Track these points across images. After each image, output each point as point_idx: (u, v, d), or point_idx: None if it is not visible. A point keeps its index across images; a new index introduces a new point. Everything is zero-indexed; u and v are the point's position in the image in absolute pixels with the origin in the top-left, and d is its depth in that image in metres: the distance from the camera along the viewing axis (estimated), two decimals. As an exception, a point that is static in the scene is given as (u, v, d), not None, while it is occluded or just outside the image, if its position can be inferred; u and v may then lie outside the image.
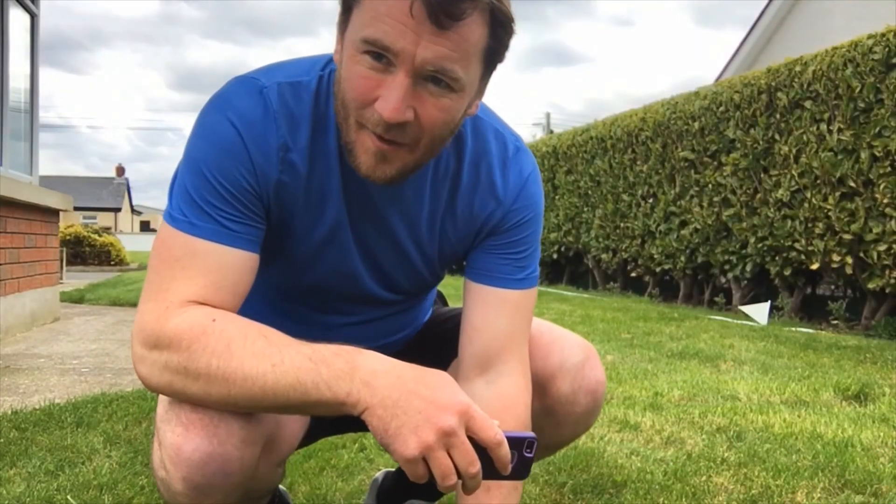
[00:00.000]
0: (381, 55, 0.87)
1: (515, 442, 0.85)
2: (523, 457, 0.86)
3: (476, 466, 0.82)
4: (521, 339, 1.13)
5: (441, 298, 1.50)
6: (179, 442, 0.92)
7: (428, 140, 0.94)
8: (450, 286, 1.20)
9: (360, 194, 1.05)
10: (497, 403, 1.07)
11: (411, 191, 1.07)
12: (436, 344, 1.29)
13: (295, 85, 1.00)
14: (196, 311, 0.91)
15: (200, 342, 0.88)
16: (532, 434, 0.87)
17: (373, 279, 1.15)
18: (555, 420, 1.21)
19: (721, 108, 6.33)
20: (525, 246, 1.13)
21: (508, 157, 1.11)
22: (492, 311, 1.11)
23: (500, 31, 0.91)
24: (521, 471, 0.87)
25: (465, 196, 1.10)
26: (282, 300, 1.18)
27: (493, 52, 0.93)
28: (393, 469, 1.66)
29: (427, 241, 1.13)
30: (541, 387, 1.18)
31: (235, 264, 0.96)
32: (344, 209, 1.06)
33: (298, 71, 1.02)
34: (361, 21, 0.88)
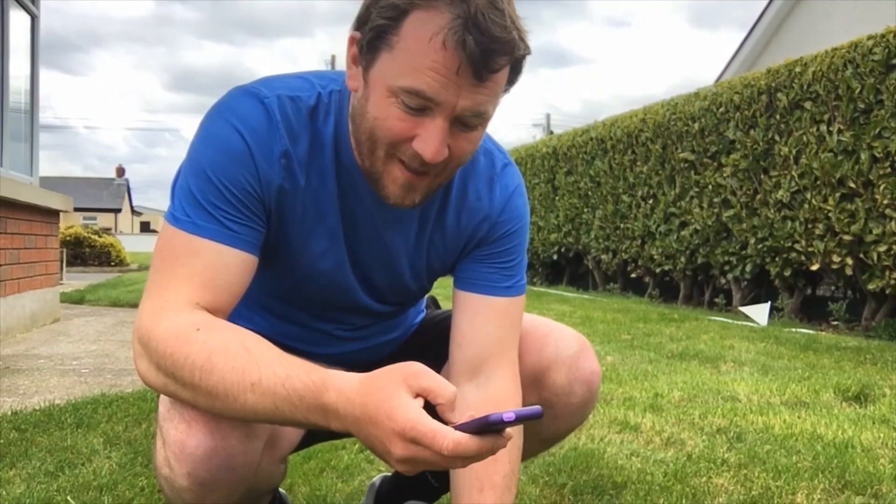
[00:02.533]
0: (420, 103, 0.91)
1: (485, 427, 0.78)
2: (509, 424, 0.77)
3: (456, 463, 0.80)
4: (510, 344, 1.15)
5: (434, 302, 1.52)
6: (183, 438, 0.93)
7: (455, 165, 1.00)
8: (449, 287, 1.21)
9: (354, 210, 1.08)
10: (487, 407, 1.08)
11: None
12: (429, 346, 1.31)
13: (295, 99, 1.03)
14: (185, 317, 0.92)
15: (182, 351, 0.89)
16: (495, 416, 0.76)
17: (365, 292, 1.17)
18: (552, 413, 1.22)
19: (721, 109, 6.33)
20: (512, 256, 1.16)
21: (496, 173, 1.15)
22: (480, 319, 1.13)
23: (519, 66, 0.96)
24: (525, 420, 0.78)
25: (454, 211, 1.13)
26: (281, 305, 1.20)
27: (511, 81, 0.98)
28: (390, 473, 1.66)
29: (416, 254, 1.15)
30: (537, 379, 1.20)
31: (233, 264, 0.98)
32: (339, 224, 1.08)
33: (297, 87, 1.05)
34: (400, 69, 0.90)
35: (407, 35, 0.89)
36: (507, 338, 1.14)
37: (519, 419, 0.76)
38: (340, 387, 0.84)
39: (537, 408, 0.77)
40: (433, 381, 0.82)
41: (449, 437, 0.77)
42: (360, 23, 0.93)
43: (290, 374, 0.85)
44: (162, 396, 0.99)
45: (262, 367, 0.86)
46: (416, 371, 0.83)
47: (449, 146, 0.94)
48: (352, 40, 0.96)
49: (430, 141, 0.92)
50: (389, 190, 0.98)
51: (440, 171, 0.98)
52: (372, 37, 0.92)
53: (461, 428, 0.78)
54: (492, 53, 0.87)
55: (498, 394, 1.11)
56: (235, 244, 0.98)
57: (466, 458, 0.79)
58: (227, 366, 0.87)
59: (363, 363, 0.89)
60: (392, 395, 0.81)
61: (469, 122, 0.94)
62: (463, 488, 1.08)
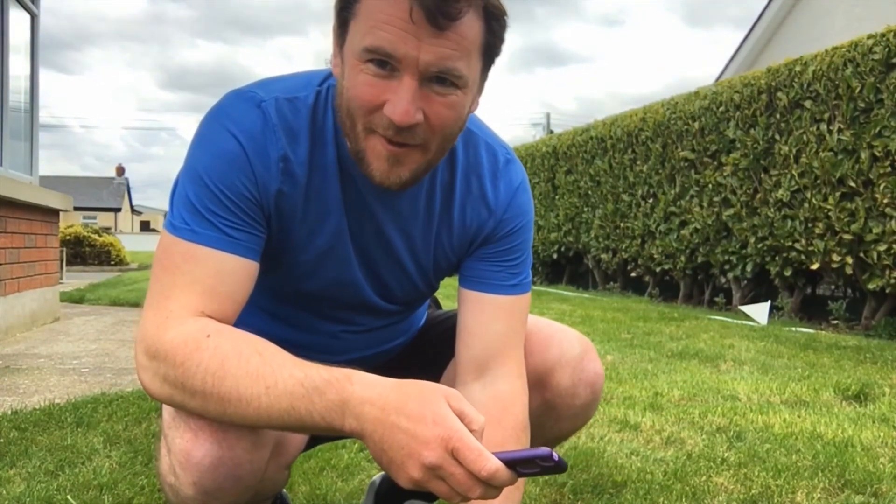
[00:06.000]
0: (384, 62, 0.89)
1: (523, 461, 0.80)
2: (544, 466, 0.80)
3: (475, 491, 0.79)
4: (517, 342, 1.14)
5: (435, 302, 1.52)
6: (189, 447, 0.92)
7: (439, 139, 0.96)
8: (449, 286, 1.21)
9: (358, 206, 1.07)
10: (494, 406, 1.07)
11: (407, 203, 1.09)
12: (432, 347, 1.30)
13: (292, 100, 1.02)
14: (192, 324, 0.91)
15: (194, 358, 0.88)
16: (545, 450, 0.79)
17: (372, 289, 1.16)
18: (555, 414, 1.22)
19: (721, 108, 6.33)
20: (517, 253, 1.15)
21: (499, 168, 1.13)
22: (487, 317, 1.12)
23: (494, 25, 0.93)
24: (550, 471, 0.82)
25: (459, 208, 1.12)
26: (285, 308, 1.19)
27: (491, 47, 0.95)
28: None
29: (422, 251, 1.14)
30: (541, 381, 1.19)
31: (234, 271, 0.97)
32: (344, 220, 1.07)
33: (295, 87, 1.04)
34: (361, 31, 0.90)
35: None
36: (514, 336, 1.13)
37: (559, 462, 0.78)
38: (369, 381, 0.84)
39: (565, 461, 0.79)
40: (468, 406, 0.83)
41: (492, 462, 0.78)
42: (335, 4, 0.94)
43: (309, 373, 0.85)
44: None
45: (278, 370, 0.86)
46: (455, 393, 0.83)
47: (426, 113, 0.92)
48: (335, 29, 0.96)
49: (397, 103, 0.89)
50: (374, 167, 0.96)
51: (425, 145, 0.95)
52: (340, 8, 0.93)
53: (497, 457, 0.79)
54: None
55: (505, 392, 1.11)
56: (236, 251, 0.97)
57: (491, 489, 0.79)
58: (240, 370, 0.86)
59: (367, 369, 0.88)
60: (439, 403, 0.81)
61: (440, 81, 0.91)
62: None
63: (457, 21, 0.88)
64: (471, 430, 0.80)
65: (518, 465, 0.79)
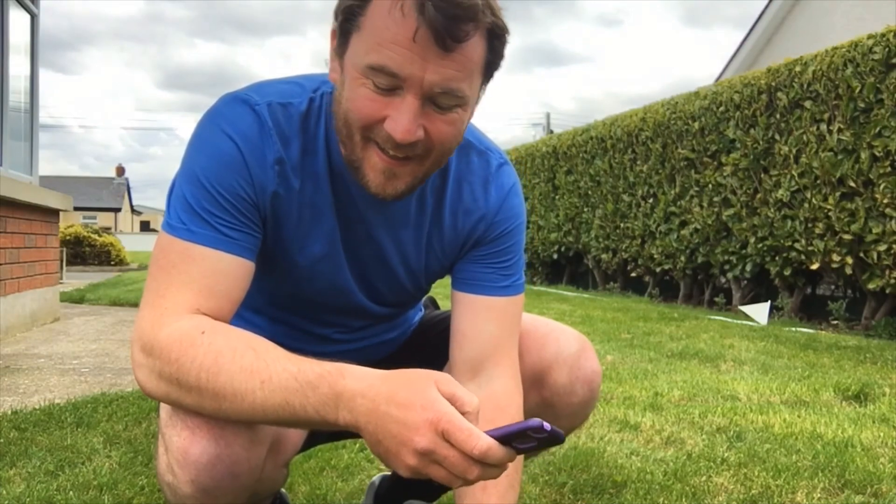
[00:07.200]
0: (388, 80, 0.89)
1: (517, 435, 0.80)
2: (539, 438, 0.79)
3: (473, 472, 0.79)
4: (510, 343, 1.15)
5: (432, 302, 1.53)
6: (186, 445, 0.92)
7: (438, 152, 0.97)
8: (445, 286, 1.22)
9: (349, 211, 1.08)
10: (489, 405, 1.08)
11: (398, 208, 1.09)
12: (429, 347, 1.31)
13: (286, 105, 1.03)
14: (187, 321, 0.92)
15: (189, 354, 0.88)
16: (536, 421, 0.78)
17: (364, 294, 1.17)
18: (553, 412, 1.22)
19: (721, 108, 6.32)
20: (510, 255, 1.15)
21: (491, 173, 1.14)
22: (480, 319, 1.13)
23: (496, 44, 0.94)
24: (547, 444, 0.81)
25: (450, 212, 1.13)
26: (278, 312, 1.21)
27: (491, 65, 0.96)
28: (390, 472, 1.67)
29: (413, 257, 1.15)
30: (538, 379, 1.20)
31: (230, 270, 0.98)
32: (336, 226, 1.08)
33: (289, 92, 1.04)
34: (365, 47, 0.90)
35: (371, 13, 0.89)
36: (507, 337, 1.14)
37: (553, 432, 0.77)
38: (361, 374, 0.84)
39: (561, 431, 0.79)
40: (460, 389, 0.82)
41: (483, 440, 0.77)
42: (336, 11, 0.94)
43: (302, 367, 0.85)
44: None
45: (272, 365, 0.86)
46: (445, 377, 0.83)
47: (427, 129, 0.92)
48: (333, 34, 0.96)
49: (399, 120, 0.90)
50: (370, 178, 0.96)
51: (422, 157, 0.96)
52: (343, 20, 0.93)
53: (490, 434, 0.79)
54: (454, 19, 0.85)
55: (499, 393, 1.11)
56: (232, 250, 0.98)
57: (487, 467, 0.79)
58: (234, 366, 0.86)
59: (361, 363, 0.88)
60: (428, 388, 0.81)
61: (442, 101, 0.91)
62: (465, 487, 1.08)
63: (463, 43, 0.88)
64: (465, 413, 0.80)
65: (514, 442, 0.79)
